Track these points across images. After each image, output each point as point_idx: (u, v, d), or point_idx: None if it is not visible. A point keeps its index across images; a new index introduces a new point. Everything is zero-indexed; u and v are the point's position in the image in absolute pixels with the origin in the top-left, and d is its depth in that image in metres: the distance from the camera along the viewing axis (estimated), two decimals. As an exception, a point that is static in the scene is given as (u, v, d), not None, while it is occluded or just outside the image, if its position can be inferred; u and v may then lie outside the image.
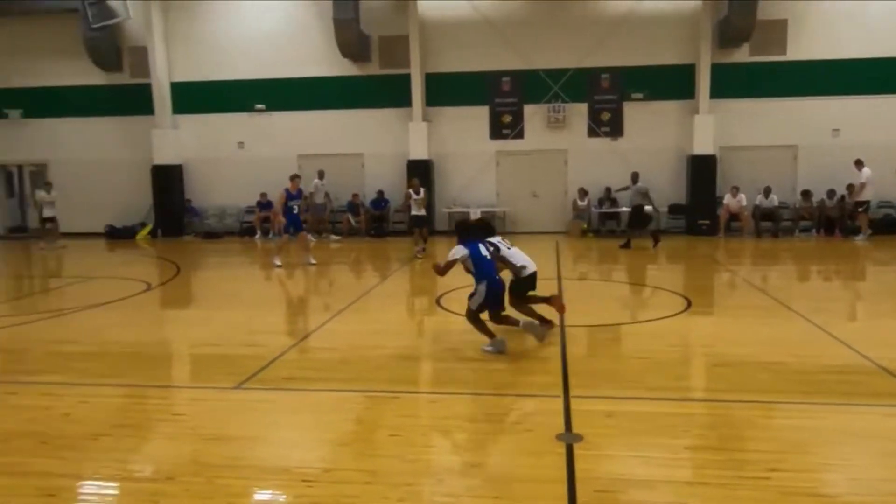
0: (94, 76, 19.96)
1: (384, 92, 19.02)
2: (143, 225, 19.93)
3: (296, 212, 13.20)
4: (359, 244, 17.49)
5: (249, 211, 19.61)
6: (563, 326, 8.03)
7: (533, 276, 7.66)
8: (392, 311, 9.97)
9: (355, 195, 18.94)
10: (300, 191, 13.80)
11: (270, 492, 4.40)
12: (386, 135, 19.15)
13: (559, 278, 11.85)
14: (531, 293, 7.73)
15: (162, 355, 8.13)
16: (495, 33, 18.48)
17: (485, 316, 7.26)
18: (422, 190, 14.74)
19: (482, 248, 7.28)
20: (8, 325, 9.38)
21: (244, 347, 7.79)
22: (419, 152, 18.77)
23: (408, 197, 14.79)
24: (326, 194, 18.70)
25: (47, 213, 17.34)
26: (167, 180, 19.55)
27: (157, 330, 9.31)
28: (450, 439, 5.20)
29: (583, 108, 18.69)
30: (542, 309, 7.79)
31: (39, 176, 21.19)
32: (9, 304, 11.32)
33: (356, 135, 19.24)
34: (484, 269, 7.16)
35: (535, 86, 18.61)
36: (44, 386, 6.54)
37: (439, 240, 17.39)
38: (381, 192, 19.08)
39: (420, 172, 17.01)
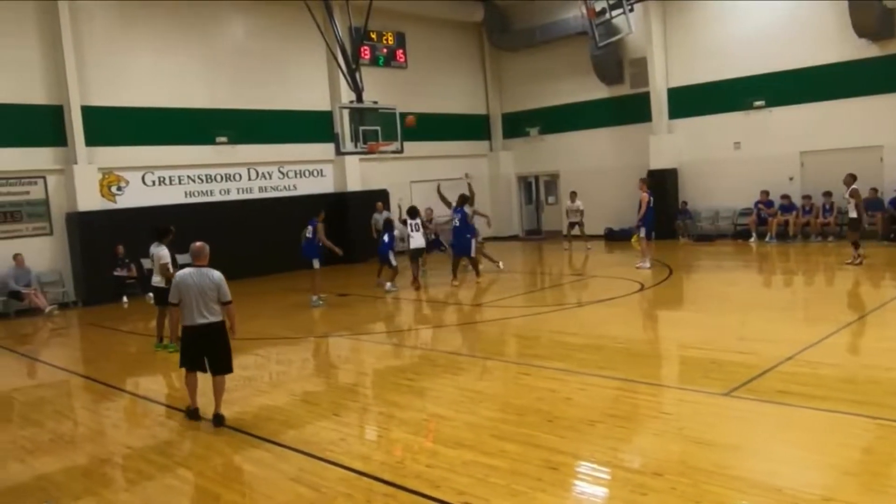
0: (598, 91, 21.71)
1: (911, 72, 16.22)
2: (638, 227, 20.80)
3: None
4: (877, 249, 15.19)
5: (744, 213, 18.85)
6: None
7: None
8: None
9: (873, 190, 16.48)
10: None
11: (759, 508, 4.19)
12: (913, 123, 16.31)
13: None
14: None
15: (652, 353, 8.43)
16: None
17: None
18: None
19: None
20: (524, 315, 10.90)
21: (735, 354, 7.57)
22: (963, 140, 15.46)
23: None
24: None
25: (573, 218, 19.36)
26: (662, 184, 20.04)
27: (648, 329, 9.68)
28: None
29: None
30: None
31: (552, 185, 23.99)
32: (525, 296, 13.13)
33: (874, 125, 16.81)
34: None
35: None
36: (550, 371, 7.41)
37: None
38: (903, 189, 16.28)
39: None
